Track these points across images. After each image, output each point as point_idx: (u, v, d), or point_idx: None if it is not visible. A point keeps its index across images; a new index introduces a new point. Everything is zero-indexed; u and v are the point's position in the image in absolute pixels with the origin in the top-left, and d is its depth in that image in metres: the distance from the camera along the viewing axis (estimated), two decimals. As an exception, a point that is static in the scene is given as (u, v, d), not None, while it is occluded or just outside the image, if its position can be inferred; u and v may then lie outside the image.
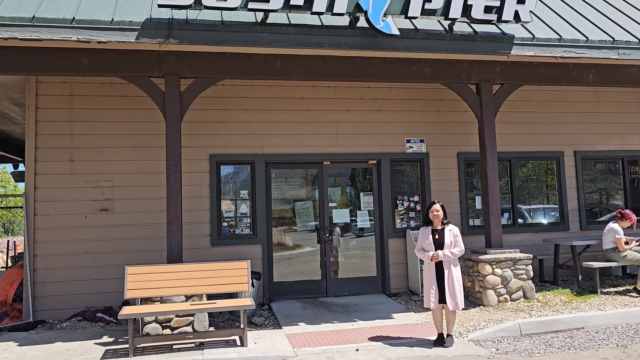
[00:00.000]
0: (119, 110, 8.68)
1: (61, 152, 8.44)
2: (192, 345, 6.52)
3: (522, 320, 7.00)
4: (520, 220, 10.09)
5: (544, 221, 10.21)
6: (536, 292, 8.33)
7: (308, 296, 9.15)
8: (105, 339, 6.96)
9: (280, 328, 7.35)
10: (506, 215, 9.98)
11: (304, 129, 9.26)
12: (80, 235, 8.40)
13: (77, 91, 8.55)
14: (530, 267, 8.15)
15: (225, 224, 8.98)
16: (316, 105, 9.35)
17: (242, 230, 9.02)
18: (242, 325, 6.45)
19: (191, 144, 8.81)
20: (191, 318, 6.87)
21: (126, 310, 6.18)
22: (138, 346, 6.45)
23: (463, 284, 6.75)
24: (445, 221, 6.42)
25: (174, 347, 6.47)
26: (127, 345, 6.30)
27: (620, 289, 8.78)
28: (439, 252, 6.26)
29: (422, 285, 8.55)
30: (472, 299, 8.27)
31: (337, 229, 9.46)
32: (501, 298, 7.98)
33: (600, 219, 10.41)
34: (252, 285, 8.14)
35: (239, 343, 6.52)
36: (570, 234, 10.08)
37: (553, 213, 10.28)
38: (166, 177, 7.39)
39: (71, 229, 8.37)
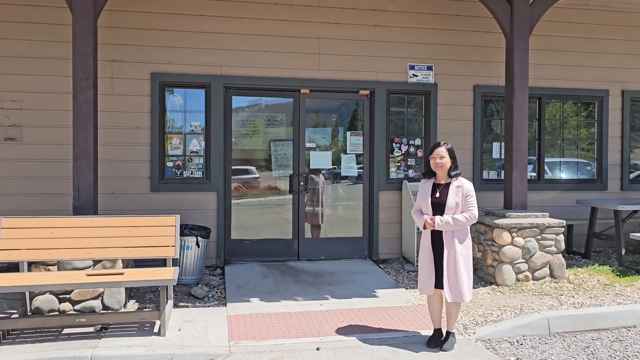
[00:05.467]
0: (30, 8, 6.54)
1: (-50, 61, 6.40)
2: (92, 330, 4.69)
3: (551, 312, 5.11)
4: (546, 175, 8.08)
5: (576, 177, 8.19)
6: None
7: (275, 259, 7.29)
8: (-18, 312, 5.15)
9: (225, 305, 5.51)
10: (529, 167, 7.95)
11: (277, 45, 7.11)
12: (-23, 171, 6.48)
13: (-28, -21, 6.41)
14: (561, 237, 6.20)
15: (170, 164, 7.01)
16: (295, 14, 7.15)
17: (192, 173, 7.04)
18: (161, 307, 4.58)
19: (126, 58, 6.74)
20: (100, 289, 5.03)
21: (-16, 283, 4.29)
22: (14, 329, 4.62)
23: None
24: (453, 173, 4.39)
25: (64, 331, 4.63)
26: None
27: (672, 267, 6.87)
28: (437, 217, 4.29)
29: (418, 253, 6.67)
30: (482, 274, 6.38)
31: (317, 177, 7.48)
32: (521, 276, 6.08)
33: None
34: (197, 244, 6.27)
35: (156, 330, 4.68)
36: (609, 195, 8.09)
37: (589, 168, 8.24)
38: (73, 96, 5.36)
39: (-35, 162, 6.44)
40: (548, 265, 6.16)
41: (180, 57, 6.87)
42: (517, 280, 6.07)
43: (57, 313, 4.96)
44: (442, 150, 4.32)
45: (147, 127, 6.82)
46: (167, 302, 4.76)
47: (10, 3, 6.48)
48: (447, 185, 4.35)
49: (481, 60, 7.66)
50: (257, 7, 7.03)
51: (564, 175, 8.19)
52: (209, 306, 5.50)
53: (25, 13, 6.51)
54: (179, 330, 4.73)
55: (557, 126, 8.14)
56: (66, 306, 5.04)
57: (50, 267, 5.01)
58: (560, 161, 8.17)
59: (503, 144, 7.74)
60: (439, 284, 4.38)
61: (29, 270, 4.97)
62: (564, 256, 6.75)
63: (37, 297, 4.98)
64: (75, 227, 4.94)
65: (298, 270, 6.85)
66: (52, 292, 4.99)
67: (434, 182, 4.42)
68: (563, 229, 6.21)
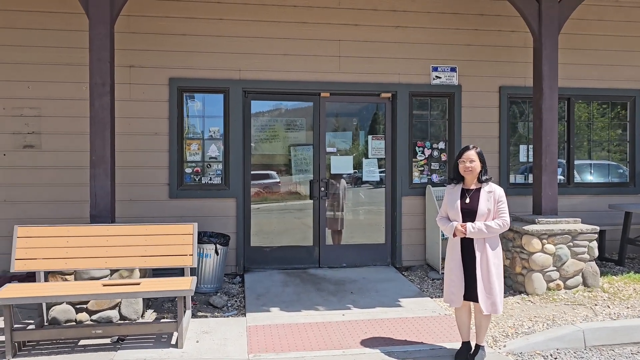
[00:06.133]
0: (47, 15, 6.50)
1: (-30, 68, 6.39)
2: (109, 341, 4.58)
3: (586, 324, 4.85)
4: (575, 179, 7.78)
5: (607, 180, 7.88)
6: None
7: (295, 266, 7.14)
8: None
9: (244, 315, 5.36)
10: (559, 170, 7.65)
11: (296, 49, 6.97)
12: (-4, 179, 6.46)
13: (-10, -14, 6.40)
14: (595, 244, 5.92)
15: (189, 170, 6.90)
16: (314, 16, 7.01)
17: (210, 179, 6.93)
18: (178, 318, 4.44)
19: (144, 63, 6.66)
20: (117, 299, 4.92)
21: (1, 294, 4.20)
22: (30, 340, 4.52)
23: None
24: (484, 178, 4.17)
25: (80, 343, 4.53)
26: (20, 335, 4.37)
27: None
28: (469, 224, 4.07)
29: (443, 260, 6.47)
30: (511, 283, 6.13)
31: (337, 182, 7.31)
32: (552, 284, 5.81)
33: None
34: (216, 252, 6.14)
35: (173, 342, 4.55)
36: (642, 199, 7.77)
37: (620, 171, 7.92)
38: (90, 102, 5.28)
39: (-15, 169, 6.42)
40: (581, 273, 5.88)
41: (199, 62, 6.77)
42: (548, 289, 5.81)
43: (73, 323, 4.86)
44: (472, 154, 4.11)
45: (166, 133, 6.73)
46: (184, 312, 4.63)
47: (27, 10, 6.45)
48: (478, 190, 4.14)
49: (507, 61, 7.41)
50: (275, 9, 6.90)
51: (594, 178, 7.88)
52: (227, 316, 5.36)
53: (43, 20, 6.48)
54: (197, 341, 4.59)
55: (586, 128, 7.84)
56: (83, 316, 4.94)
57: (67, 277, 4.91)
58: (590, 164, 7.87)
59: (531, 146, 7.48)
60: (469, 296, 4.16)
61: (46, 280, 4.90)
62: (596, 263, 6.45)
63: (54, 308, 4.89)
64: (91, 235, 4.84)
65: (319, 278, 6.67)
66: (69, 302, 4.89)
67: (462, 188, 4.21)
68: (596, 235, 5.93)
